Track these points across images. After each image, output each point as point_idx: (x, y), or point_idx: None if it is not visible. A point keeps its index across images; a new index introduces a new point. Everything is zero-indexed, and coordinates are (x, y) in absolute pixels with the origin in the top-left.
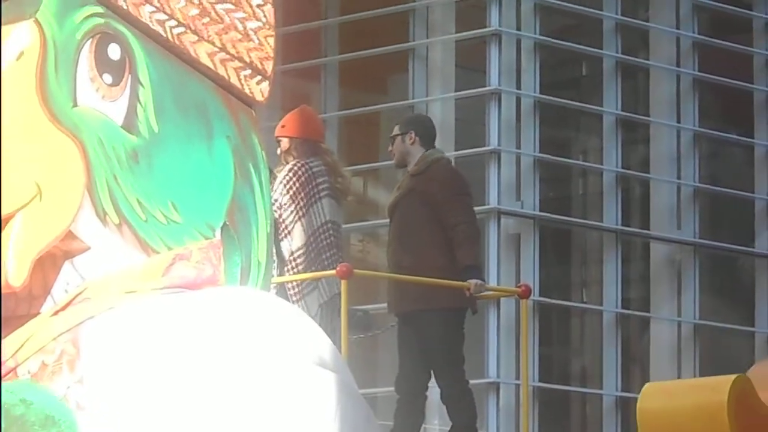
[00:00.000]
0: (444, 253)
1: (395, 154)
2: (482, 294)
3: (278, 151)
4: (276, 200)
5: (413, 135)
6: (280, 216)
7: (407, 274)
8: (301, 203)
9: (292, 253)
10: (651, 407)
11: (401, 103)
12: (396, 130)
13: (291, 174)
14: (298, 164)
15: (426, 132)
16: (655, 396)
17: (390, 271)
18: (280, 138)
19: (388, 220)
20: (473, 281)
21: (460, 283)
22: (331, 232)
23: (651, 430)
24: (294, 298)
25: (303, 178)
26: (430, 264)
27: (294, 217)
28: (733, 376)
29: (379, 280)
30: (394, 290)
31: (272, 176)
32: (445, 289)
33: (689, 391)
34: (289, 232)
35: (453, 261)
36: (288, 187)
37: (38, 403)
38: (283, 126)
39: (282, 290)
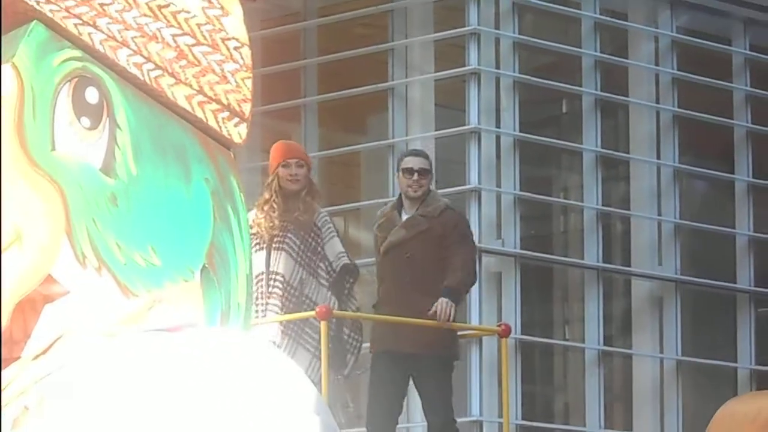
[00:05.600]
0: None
1: (423, 188)
2: (463, 333)
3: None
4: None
5: (431, 176)
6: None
7: (417, 316)
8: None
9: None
10: None
11: (381, 142)
12: (427, 166)
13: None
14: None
15: None
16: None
17: (391, 308)
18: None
19: (373, 259)
20: (442, 300)
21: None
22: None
23: None
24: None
25: None
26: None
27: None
28: None
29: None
30: (390, 329)
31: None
32: (444, 337)
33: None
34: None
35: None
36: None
37: None
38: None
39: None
